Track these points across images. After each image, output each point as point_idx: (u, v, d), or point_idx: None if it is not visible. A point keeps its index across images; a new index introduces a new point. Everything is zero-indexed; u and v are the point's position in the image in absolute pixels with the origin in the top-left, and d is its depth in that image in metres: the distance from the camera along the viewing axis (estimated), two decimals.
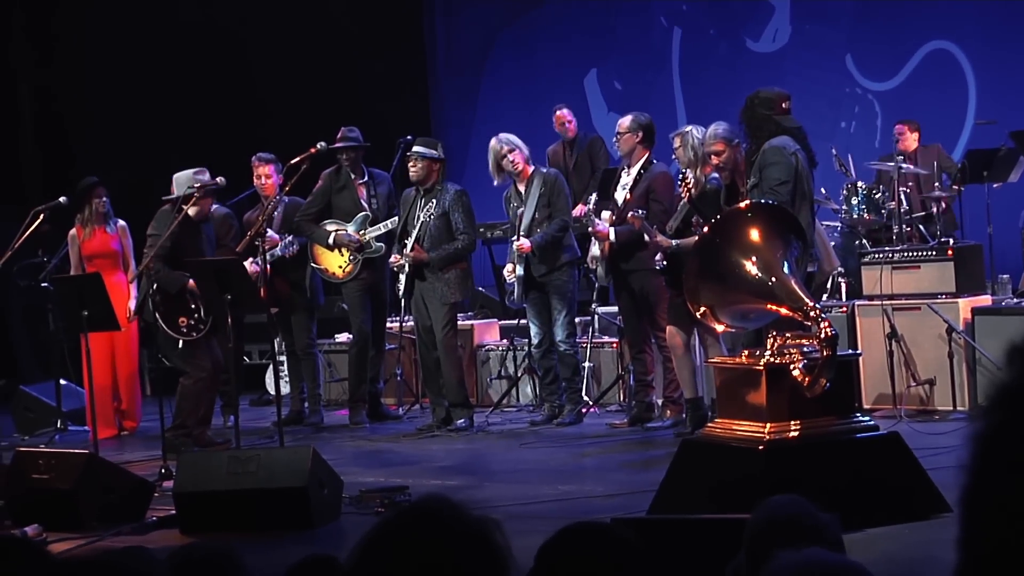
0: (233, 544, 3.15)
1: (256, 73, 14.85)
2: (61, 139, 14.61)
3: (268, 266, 9.66)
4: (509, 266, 10.15)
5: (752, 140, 7.49)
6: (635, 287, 9.57)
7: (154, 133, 14.34)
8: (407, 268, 10.10)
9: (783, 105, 7.51)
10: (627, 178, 9.56)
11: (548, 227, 9.93)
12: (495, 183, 10.25)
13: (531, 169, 10.11)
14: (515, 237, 10.05)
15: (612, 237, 9.45)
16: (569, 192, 10.35)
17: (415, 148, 10.19)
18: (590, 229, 9.62)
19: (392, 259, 10.29)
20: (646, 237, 9.02)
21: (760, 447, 6.19)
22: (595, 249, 9.71)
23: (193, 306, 9.67)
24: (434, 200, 10.09)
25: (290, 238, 10.57)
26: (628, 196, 9.46)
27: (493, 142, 10.17)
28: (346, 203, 10.69)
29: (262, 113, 14.61)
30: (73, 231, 11.08)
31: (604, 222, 9.52)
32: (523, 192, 10.09)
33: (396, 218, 10.44)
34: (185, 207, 9.53)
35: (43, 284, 11.41)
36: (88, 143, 14.45)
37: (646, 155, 9.52)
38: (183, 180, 9.76)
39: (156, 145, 13.98)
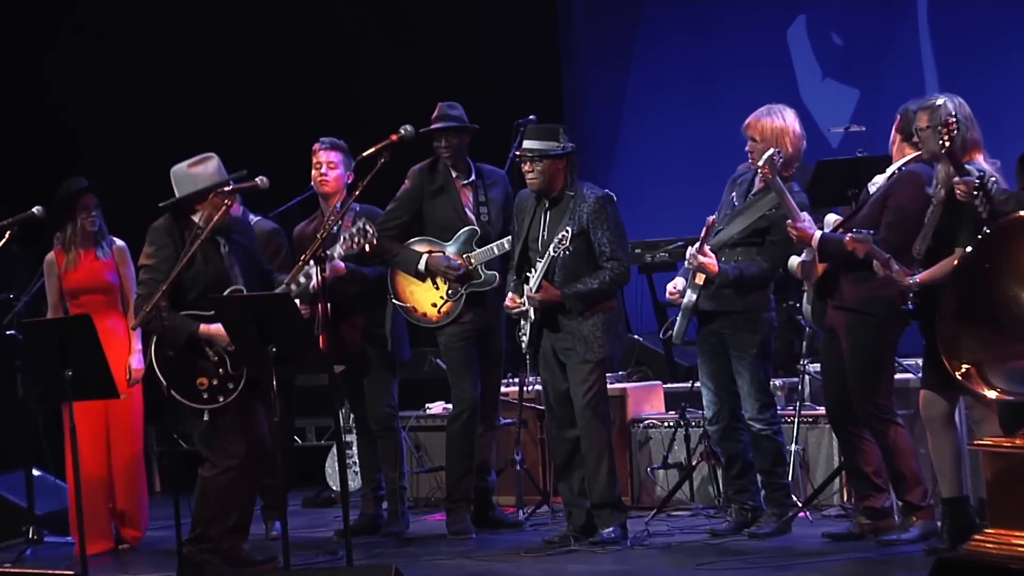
0: None
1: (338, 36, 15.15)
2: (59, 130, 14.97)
3: (328, 300, 9.54)
4: (680, 282, 10.04)
5: None
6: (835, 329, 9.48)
7: (177, 121, 14.55)
8: (532, 315, 10.02)
9: None
10: (880, 178, 9.44)
11: (750, 263, 9.84)
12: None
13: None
14: (699, 244, 9.88)
15: (816, 241, 9.28)
16: None
17: (525, 145, 10.09)
18: (788, 223, 9.44)
19: (508, 300, 10.20)
20: (875, 266, 8.89)
21: None
22: (794, 261, 9.57)
23: (216, 358, 9.56)
24: (565, 214, 10.00)
25: (361, 224, 10.07)
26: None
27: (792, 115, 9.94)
28: (444, 212, 10.72)
29: (334, 86, 14.91)
30: (51, 256, 11.18)
31: (812, 224, 9.36)
32: (756, 192, 9.94)
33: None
34: (204, 226, 9.45)
35: (8, 332, 11.49)
36: (94, 136, 14.74)
37: (910, 154, 9.27)
38: (181, 176, 9.57)
39: (179, 136, 14.10)
